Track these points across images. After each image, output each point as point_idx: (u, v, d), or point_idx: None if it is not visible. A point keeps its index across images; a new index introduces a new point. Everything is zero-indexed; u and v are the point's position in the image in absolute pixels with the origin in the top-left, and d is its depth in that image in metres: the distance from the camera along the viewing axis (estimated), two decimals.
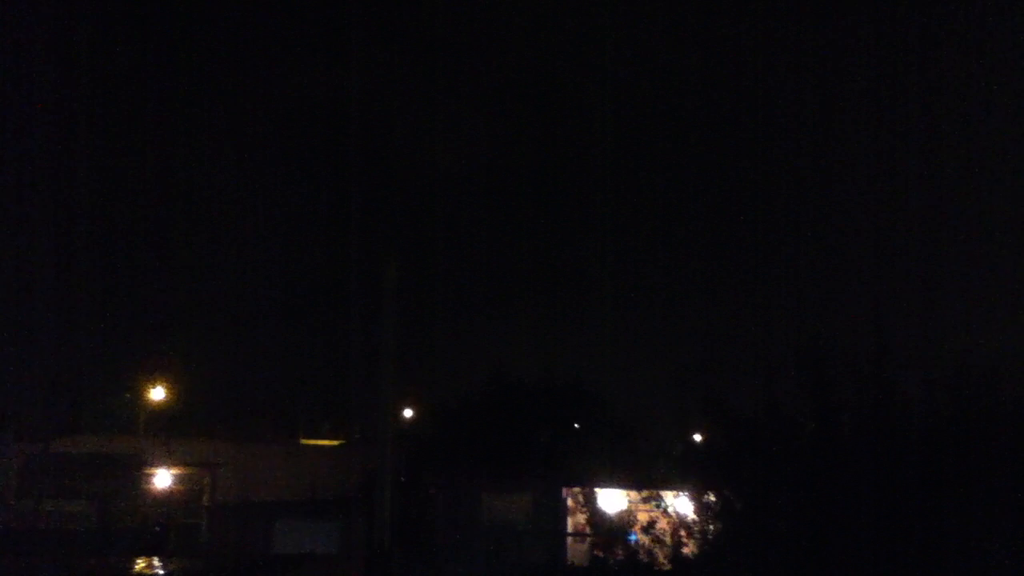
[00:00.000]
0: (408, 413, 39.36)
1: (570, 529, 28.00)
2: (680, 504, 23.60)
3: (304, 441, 39.98)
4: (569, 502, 27.84)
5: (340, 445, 39.63)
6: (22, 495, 29.19)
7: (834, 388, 17.08)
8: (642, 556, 24.01)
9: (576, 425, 32.95)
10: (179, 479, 32.81)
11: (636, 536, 24.99)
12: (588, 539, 26.76)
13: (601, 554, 25.38)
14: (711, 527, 21.53)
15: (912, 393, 17.15)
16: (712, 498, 21.00)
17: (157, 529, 29.40)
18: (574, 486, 27.40)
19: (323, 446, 39.76)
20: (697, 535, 21.39)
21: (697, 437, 25.80)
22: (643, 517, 25.12)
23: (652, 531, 24.18)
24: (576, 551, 27.52)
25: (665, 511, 24.06)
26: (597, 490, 26.91)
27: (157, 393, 35.26)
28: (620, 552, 25.23)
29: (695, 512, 22.11)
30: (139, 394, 34.99)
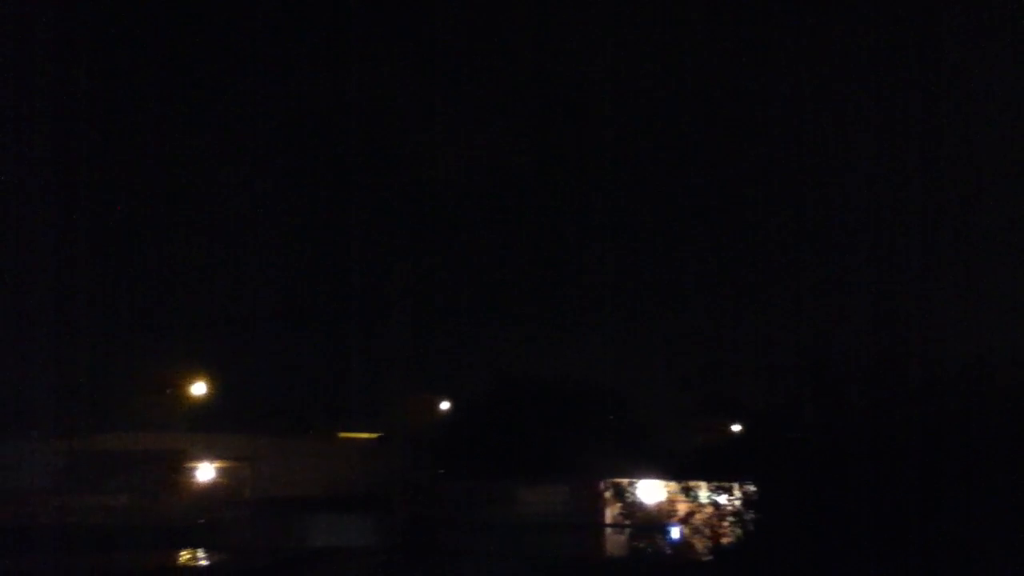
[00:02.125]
0: (444, 406, 39.43)
1: (608, 520, 27.84)
2: (717, 496, 23.39)
3: (341, 435, 40.20)
4: (607, 494, 27.69)
5: (376, 439, 39.79)
6: (65, 491, 29.65)
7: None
8: (681, 547, 23.87)
9: (610, 417, 32.87)
10: (219, 473, 33.14)
11: (675, 527, 24.83)
12: (626, 530, 26.61)
13: (640, 545, 25.25)
14: (750, 517, 21.30)
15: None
16: (752, 489, 20.82)
17: (199, 523, 29.69)
18: (611, 478, 27.26)
19: (359, 440, 39.94)
20: (737, 525, 21.19)
21: (736, 428, 25.57)
22: (682, 508, 24.95)
23: (690, 522, 24.03)
24: (614, 542, 27.36)
25: (700, 503, 23.89)
26: (635, 481, 26.76)
27: (197, 388, 35.65)
28: (659, 543, 25.11)
29: (732, 503, 21.92)
30: (180, 390, 35.39)
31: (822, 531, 15.76)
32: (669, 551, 24.81)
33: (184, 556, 25.93)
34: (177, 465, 32.09)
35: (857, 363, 17.02)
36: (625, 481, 27.21)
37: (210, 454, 33.19)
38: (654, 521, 26.08)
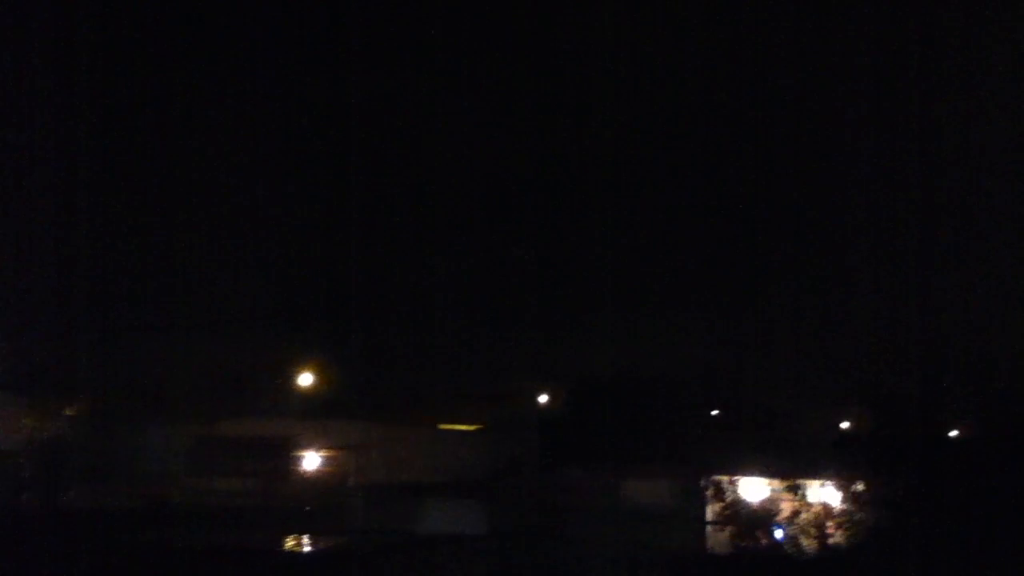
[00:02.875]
0: (543, 399, 39.87)
1: (709, 517, 27.82)
2: (825, 493, 23.21)
3: (442, 426, 41.00)
4: (709, 490, 27.68)
5: (478, 430, 40.47)
6: (190, 473, 31.17)
7: (999, 387, 16.46)
8: (787, 546, 23.75)
9: (714, 413, 32.76)
10: (328, 461, 34.20)
11: (780, 526, 24.70)
12: (728, 528, 26.55)
13: (743, 543, 25.18)
14: (860, 516, 21.14)
15: None
16: (862, 487, 20.63)
17: (307, 508, 30.70)
18: (715, 474, 27.24)
19: (462, 430, 40.68)
20: (846, 525, 21.04)
21: (845, 425, 25.30)
22: (786, 507, 24.81)
23: (796, 521, 23.88)
24: (716, 539, 27.34)
25: (807, 501, 23.72)
26: (739, 478, 26.68)
27: (306, 379, 36.89)
28: (763, 541, 24.99)
29: (843, 501, 21.74)
30: (293, 379, 36.70)
31: (951, 537, 15.48)
32: (773, 550, 24.70)
33: (290, 541, 26.95)
34: (289, 452, 33.27)
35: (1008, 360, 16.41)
36: (726, 478, 27.15)
37: (319, 442, 34.29)
38: (758, 519, 25.97)
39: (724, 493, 26.75)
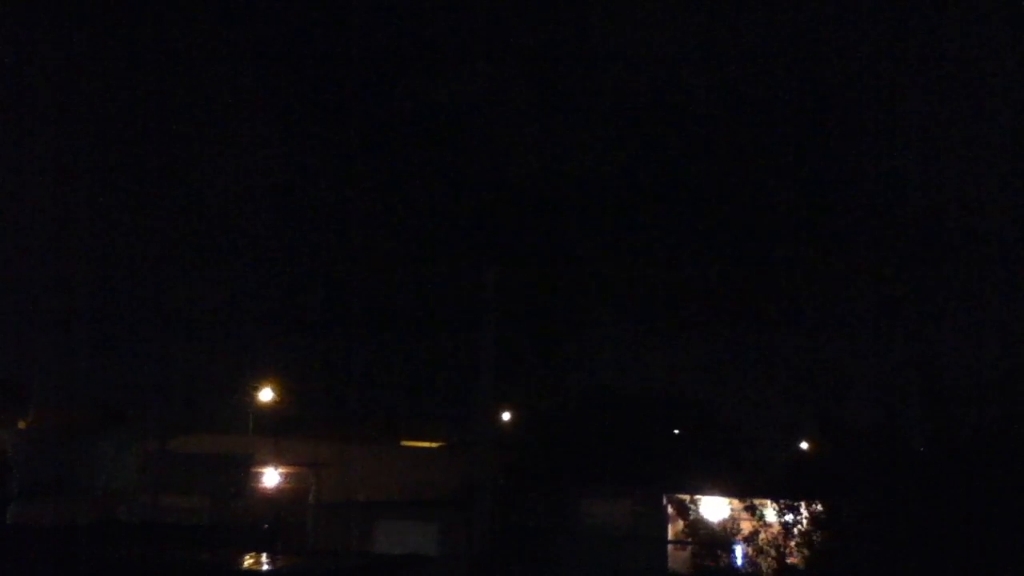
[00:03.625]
0: (506, 416, 39.73)
1: (670, 536, 27.86)
2: (785, 515, 23.31)
3: (404, 443, 40.68)
4: (670, 509, 27.73)
5: (440, 448, 40.22)
6: (142, 490, 30.61)
7: (951, 405, 16.72)
8: (746, 566, 23.83)
9: (676, 432, 32.81)
10: (286, 478, 33.78)
11: (739, 545, 24.80)
12: (689, 547, 26.60)
13: (704, 562, 25.25)
14: (817, 536, 21.25)
15: None
16: (819, 507, 20.76)
17: (265, 526, 30.28)
18: (675, 493, 27.29)
19: (423, 448, 40.39)
20: (804, 545, 21.15)
21: (804, 445, 25.48)
22: (746, 526, 24.93)
23: (755, 541, 24.00)
24: (677, 559, 27.37)
25: (766, 522, 23.84)
26: (700, 497, 26.76)
27: (265, 395, 36.46)
28: (723, 561, 25.08)
29: (800, 521, 21.86)
30: (249, 396, 36.25)
31: (903, 553, 15.65)
32: (733, 570, 24.78)
33: (251, 559, 26.54)
34: (246, 469, 32.82)
35: (968, 383, 16.72)
36: (687, 497, 27.21)
37: (278, 459, 33.87)
38: (718, 539, 26.05)
39: (686, 512, 26.83)
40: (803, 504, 21.64)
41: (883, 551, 16.42)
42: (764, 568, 23.50)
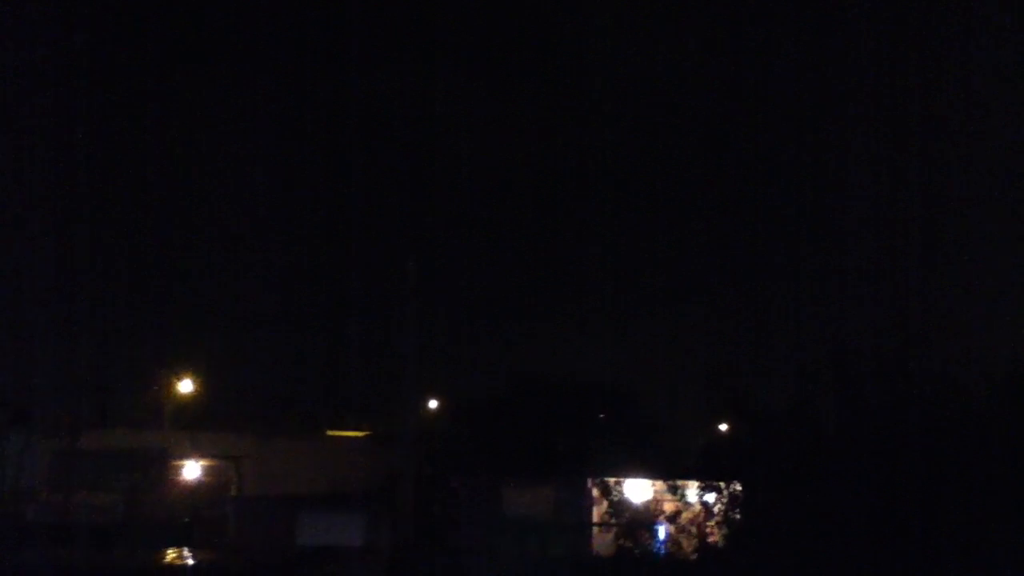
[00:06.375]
0: (433, 404, 39.53)
1: (595, 519, 28.02)
2: (705, 495, 23.63)
3: (329, 433, 40.19)
4: (595, 492, 27.88)
5: (365, 438, 39.82)
6: (52, 489, 29.60)
7: (858, 386, 17.16)
8: (668, 546, 24.11)
9: (601, 416, 33.05)
10: (205, 472, 33.10)
11: (662, 526, 25.09)
12: (613, 529, 26.79)
13: (626, 543, 25.45)
14: (736, 516, 21.58)
15: (937, 391, 17.16)
16: (738, 488, 21.09)
17: (185, 521, 29.65)
18: (599, 477, 27.45)
19: (348, 438, 39.95)
20: (723, 524, 21.46)
21: (724, 427, 25.88)
22: (668, 507, 25.22)
23: (677, 521, 24.28)
24: (602, 542, 27.55)
25: (687, 502, 24.15)
26: (623, 480, 26.96)
27: (184, 387, 35.61)
28: (646, 541, 25.34)
29: (719, 502, 22.17)
30: (165, 389, 35.35)
31: (814, 531, 16.01)
32: (655, 550, 25.04)
33: (172, 554, 25.95)
34: (160, 464, 32.05)
35: (869, 362, 17.14)
36: (612, 480, 27.40)
37: (196, 452, 33.14)
38: (641, 520, 26.30)
39: (610, 493, 27.00)
40: (722, 485, 21.94)
41: (796, 529, 16.77)
42: (685, 546, 23.79)
